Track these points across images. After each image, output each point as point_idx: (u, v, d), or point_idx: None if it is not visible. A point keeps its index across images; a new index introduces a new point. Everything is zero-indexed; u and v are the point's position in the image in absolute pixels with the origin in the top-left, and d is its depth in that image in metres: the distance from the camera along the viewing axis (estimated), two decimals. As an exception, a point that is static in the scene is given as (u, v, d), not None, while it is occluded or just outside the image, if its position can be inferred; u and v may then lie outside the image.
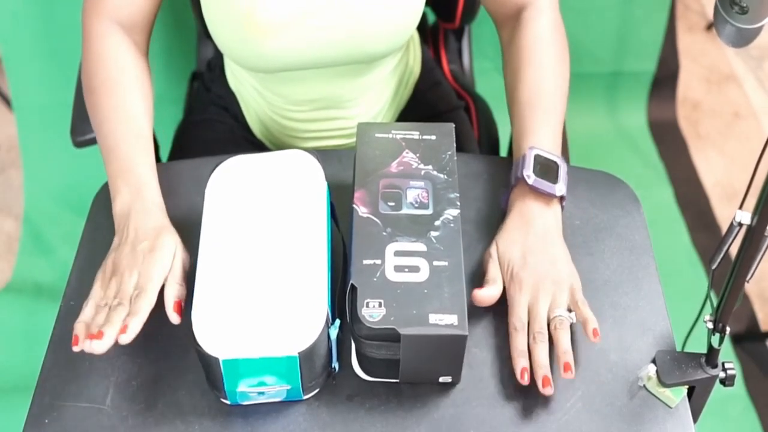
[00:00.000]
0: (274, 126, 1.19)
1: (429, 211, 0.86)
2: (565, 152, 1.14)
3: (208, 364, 0.78)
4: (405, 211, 0.86)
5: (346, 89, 1.12)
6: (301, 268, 0.82)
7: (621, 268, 0.95)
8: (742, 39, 0.69)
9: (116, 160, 0.94)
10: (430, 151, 0.91)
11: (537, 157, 0.93)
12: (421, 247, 0.83)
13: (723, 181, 2.06)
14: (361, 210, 0.86)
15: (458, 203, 0.87)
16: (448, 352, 0.80)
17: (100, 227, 0.98)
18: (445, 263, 0.82)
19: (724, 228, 0.92)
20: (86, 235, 0.98)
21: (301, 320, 0.78)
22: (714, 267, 0.80)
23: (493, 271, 0.90)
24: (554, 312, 0.86)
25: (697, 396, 0.87)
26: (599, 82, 2.12)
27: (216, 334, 0.77)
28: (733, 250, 0.78)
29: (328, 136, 1.18)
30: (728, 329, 0.82)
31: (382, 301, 0.79)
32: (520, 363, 0.84)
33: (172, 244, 0.87)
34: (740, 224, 0.75)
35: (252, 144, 1.24)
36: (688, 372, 0.85)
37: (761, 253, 0.75)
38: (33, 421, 0.83)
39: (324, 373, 0.83)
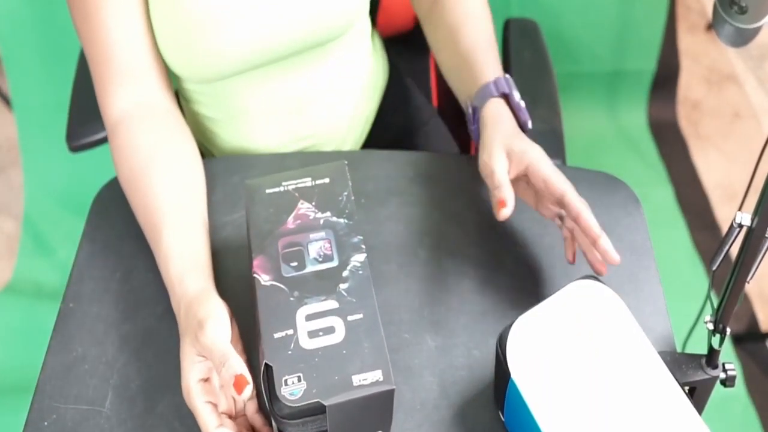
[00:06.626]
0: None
1: (335, 263, 0.80)
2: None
3: None
4: (309, 268, 0.79)
5: (305, 88, 1.08)
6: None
7: (621, 269, 0.95)
8: (742, 39, 0.69)
9: (159, 258, 0.89)
10: (325, 196, 0.85)
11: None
12: (332, 304, 0.77)
13: (723, 182, 2.06)
14: (264, 278, 0.79)
15: (363, 246, 0.81)
16: (378, 408, 0.75)
17: (100, 227, 0.98)
18: (360, 315, 0.76)
19: (725, 228, 0.92)
20: (86, 236, 0.98)
21: None
22: (714, 268, 0.80)
23: (501, 174, 0.91)
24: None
25: (697, 397, 0.87)
26: (599, 82, 2.12)
27: None
28: (734, 251, 0.78)
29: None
30: (729, 330, 0.82)
31: (300, 375, 0.72)
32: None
33: (187, 352, 0.80)
34: (740, 226, 0.75)
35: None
36: (689, 373, 0.84)
37: (761, 255, 0.75)
38: (32, 423, 0.83)
39: None
